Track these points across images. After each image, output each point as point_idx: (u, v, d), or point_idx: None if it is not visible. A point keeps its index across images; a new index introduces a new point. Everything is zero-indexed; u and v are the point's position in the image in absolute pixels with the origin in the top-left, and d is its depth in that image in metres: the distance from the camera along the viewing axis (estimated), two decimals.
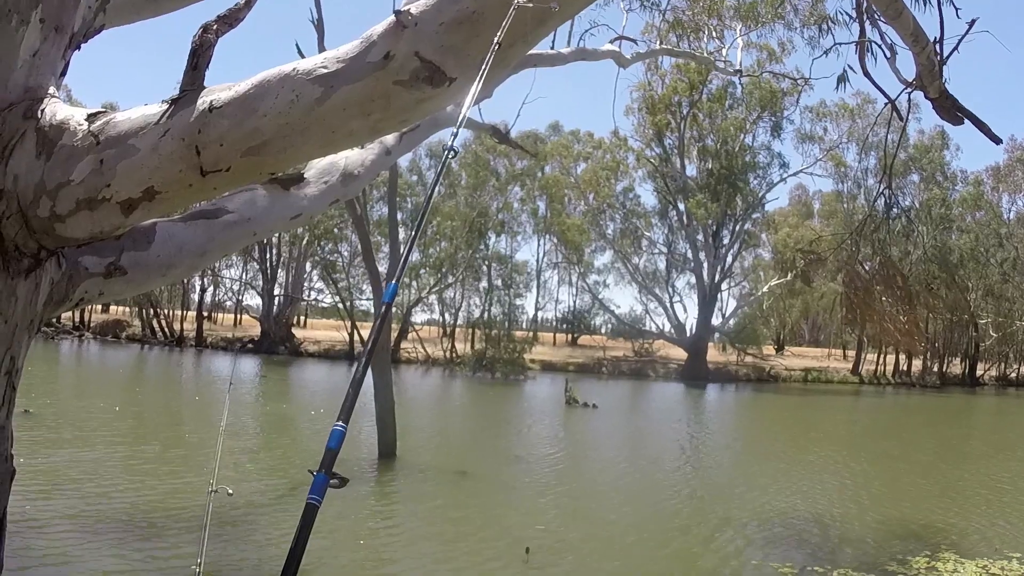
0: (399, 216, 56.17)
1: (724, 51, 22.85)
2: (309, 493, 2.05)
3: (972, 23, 8.18)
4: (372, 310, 21.70)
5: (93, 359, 48.64)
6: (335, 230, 61.76)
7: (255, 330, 65.47)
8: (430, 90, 2.75)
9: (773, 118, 64.43)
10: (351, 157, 5.52)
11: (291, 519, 12.81)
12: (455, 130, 2.57)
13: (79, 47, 3.94)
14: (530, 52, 9.98)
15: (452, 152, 2.59)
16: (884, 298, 15.01)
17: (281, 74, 2.88)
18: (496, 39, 2.53)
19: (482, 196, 64.92)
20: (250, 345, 61.96)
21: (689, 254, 68.27)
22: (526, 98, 28.28)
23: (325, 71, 2.79)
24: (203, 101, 3.00)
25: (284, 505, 13.82)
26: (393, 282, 2.20)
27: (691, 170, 67.70)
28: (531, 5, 2.56)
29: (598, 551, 12.45)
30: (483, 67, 2.54)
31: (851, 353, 76.46)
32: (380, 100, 2.75)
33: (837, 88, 10.88)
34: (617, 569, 11.47)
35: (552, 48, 11.68)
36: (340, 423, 2.17)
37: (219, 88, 3.04)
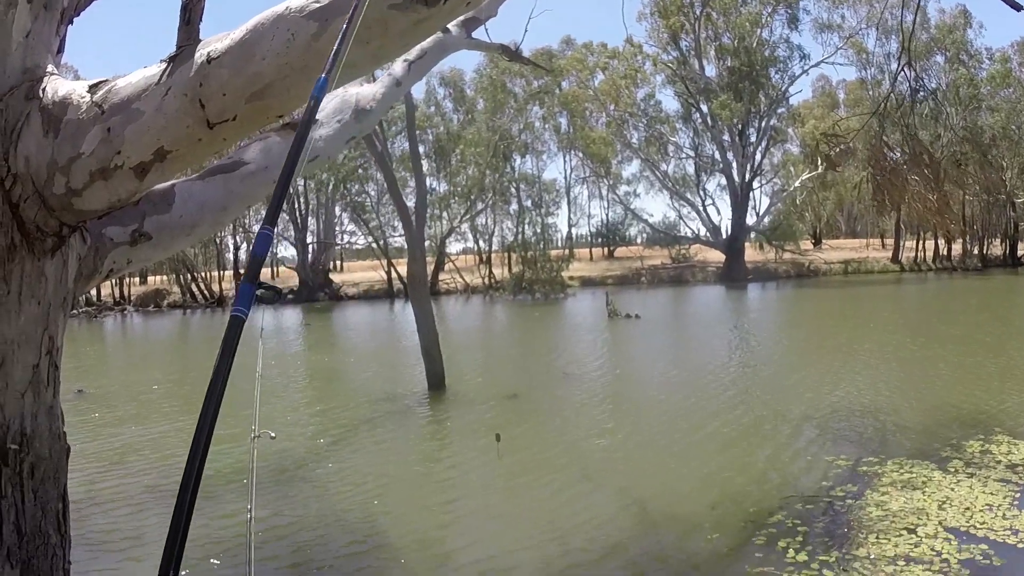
0: (421, 149, 56.03)
1: None
2: (234, 305, 1.94)
3: None
4: (405, 246, 21.71)
5: (138, 332, 49.18)
6: (359, 170, 61.68)
7: (293, 280, 65.81)
8: (425, 10, 2.68)
9: (789, 10, 63.34)
10: (362, 92, 5.47)
11: (335, 463, 13.01)
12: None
13: (71, 21, 3.90)
14: None
15: None
16: (913, 177, 14.73)
17: (275, 15, 2.83)
18: None
19: (502, 119, 64.46)
20: (290, 296, 62.35)
21: (717, 155, 67.74)
22: (532, 12, 27.93)
23: (317, 5, 2.73)
24: (200, 54, 2.96)
25: (331, 450, 14.01)
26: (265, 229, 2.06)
27: (710, 70, 66.92)
28: None
29: (656, 457, 12.53)
30: None
31: (889, 241, 75.78)
32: (377, 26, 2.69)
33: None
34: (675, 473, 11.55)
35: None
36: (266, 227, 2.06)
37: (215, 39, 3.00)
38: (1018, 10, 8.27)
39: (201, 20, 3.13)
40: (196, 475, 1.79)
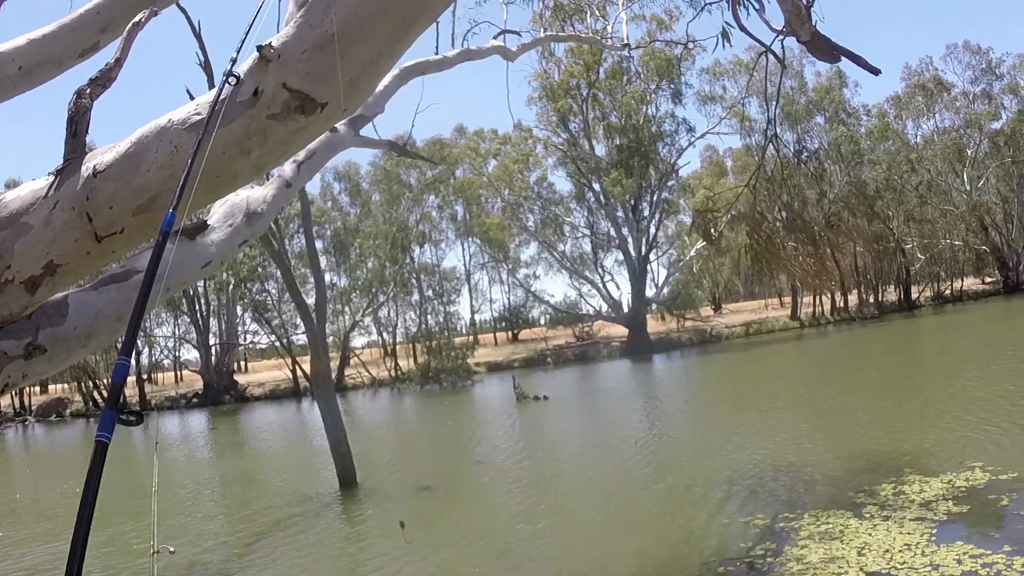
0: (319, 244, 55.79)
1: (610, 28, 23.03)
2: (98, 431, 2.06)
3: None
4: (308, 343, 21.54)
5: (41, 443, 47.59)
6: (259, 269, 61.08)
7: (198, 384, 64.43)
8: (304, 119, 2.77)
9: (672, 85, 65.02)
10: (252, 196, 5.50)
11: (243, 564, 12.73)
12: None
13: None
14: (414, 61, 9.98)
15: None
16: (789, 243, 15.26)
17: (158, 127, 2.88)
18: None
19: (399, 210, 64.76)
20: (195, 399, 61.01)
21: (612, 232, 68.70)
22: (418, 107, 28.21)
23: (199, 117, 2.80)
24: (87, 167, 2.99)
25: (245, 560, 13.70)
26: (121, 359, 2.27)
27: (600, 149, 68.16)
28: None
29: (572, 536, 12.53)
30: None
31: (787, 300, 77.49)
32: (257, 137, 2.76)
33: (718, 45, 11.03)
34: (596, 547, 11.56)
35: (437, 53, 11.71)
36: (123, 357, 2.20)
37: (101, 151, 3.04)
38: (876, 74, 8.75)
39: (88, 132, 3.17)
40: None
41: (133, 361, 66.35)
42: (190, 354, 71.39)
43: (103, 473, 1.99)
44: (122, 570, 12.50)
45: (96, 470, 1.97)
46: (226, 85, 2.74)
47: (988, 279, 77.28)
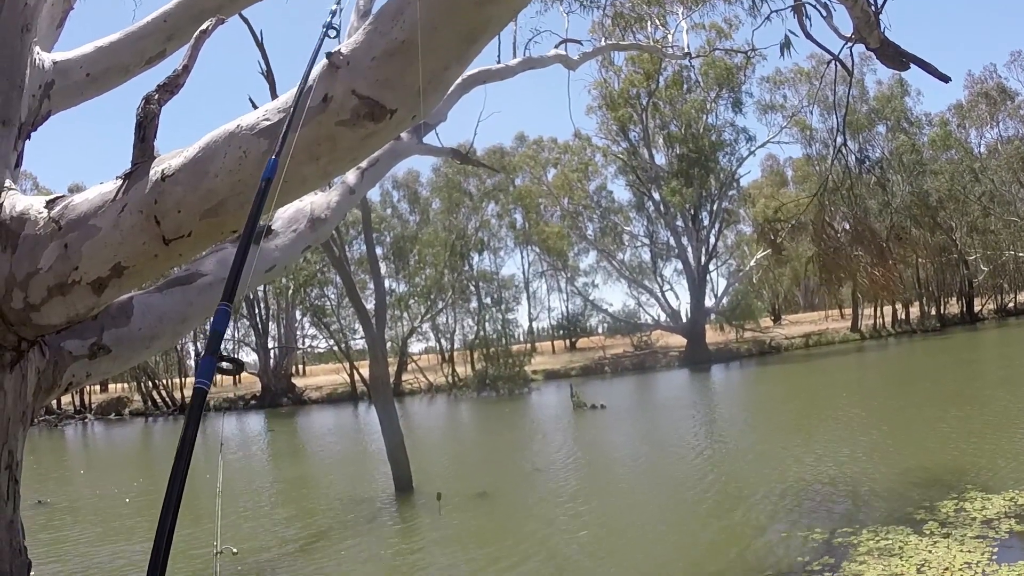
0: (378, 251, 56.18)
1: (671, 37, 22.97)
2: (196, 377, 2.02)
3: None
4: (367, 347, 21.69)
5: (100, 441, 48.43)
6: (318, 274, 61.63)
7: (256, 386, 65.13)
8: (372, 126, 2.76)
9: (732, 94, 64.57)
10: (316, 202, 5.54)
11: (298, 568, 12.81)
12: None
13: (29, 136, 3.96)
14: (476, 69, 10.02)
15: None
16: (858, 253, 15.06)
17: (226, 133, 2.90)
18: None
19: (458, 217, 65.03)
20: (253, 401, 61.68)
21: (672, 241, 68.35)
22: (480, 115, 28.31)
23: (268, 123, 2.81)
24: (155, 171, 3.02)
25: (301, 562, 13.78)
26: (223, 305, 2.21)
27: (660, 158, 67.91)
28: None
29: (632, 547, 12.45)
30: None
31: (848, 311, 76.49)
32: (326, 143, 2.77)
33: (781, 55, 10.90)
34: (654, 560, 11.47)
35: (499, 62, 11.73)
36: (224, 303, 2.13)
37: (169, 156, 3.06)
38: (946, 81, 8.60)
39: (156, 137, 3.20)
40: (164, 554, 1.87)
41: (192, 362, 67.71)
42: (249, 357, 72.34)
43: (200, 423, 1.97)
44: (182, 569, 12.63)
45: (194, 418, 1.94)
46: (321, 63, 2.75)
47: None
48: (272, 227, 5.00)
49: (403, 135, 6.91)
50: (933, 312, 70.81)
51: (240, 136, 2.84)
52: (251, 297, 62.53)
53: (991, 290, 72.80)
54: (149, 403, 63.95)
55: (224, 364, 2.14)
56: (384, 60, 2.70)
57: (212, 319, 2.14)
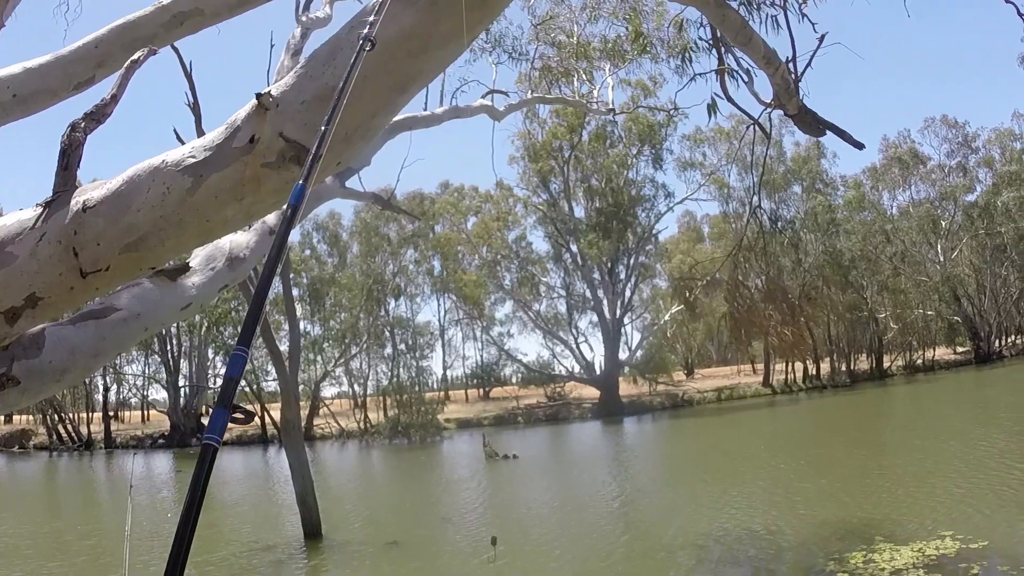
0: (295, 292, 55.65)
1: (596, 92, 23.34)
2: (207, 432, 1.87)
3: (822, 39, 8.60)
4: (278, 390, 21.37)
5: (2, 475, 46.86)
6: (232, 313, 60.73)
7: (164, 424, 63.73)
8: (298, 169, 2.77)
9: (653, 150, 65.58)
10: (236, 240, 5.51)
11: None
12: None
13: None
14: (403, 116, 10.09)
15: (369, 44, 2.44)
16: (770, 311, 15.44)
17: (151, 167, 2.89)
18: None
19: (376, 262, 64.82)
20: (161, 440, 60.29)
21: (588, 293, 68.85)
22: (404, 162, 28.29)
23: (193, 160, 2.81)
24: (76, 201, 2.99)
25: None
26: (239, 349, 2.00)
27: (579, 211, 68.57)
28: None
29: None
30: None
31: (760, 366, 77.66)
32: (251, 184, 2.77)
33: (710, 118, 11.15)
34: None
35: (425, 109, 11.82)
36: (241, 347, 1.95)
37: (91, 187, 3.04)
38: (860, 148, 8.90)
39: (79, 166, 3.17)
40: None
41: (100, 397, 66.06)
42: (158, 394, 70.81)
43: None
44: None
45: (202, 470, 1.80)
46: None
47: (960, 349, 78.10)
48: (190, 264, 4.96)
49: (326, 179, 6.93)
50: (843, 368, 72.26)
51: (164, 172, 2.84)
52: (163, 334, 61.40)
53: (900, 347, 74.64)
54: (54, 437, 62.16)
55: (238, 415, 2.01)
56: (313, 104, 2.72)
57: (228, 365, 2.00)
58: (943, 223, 74.47)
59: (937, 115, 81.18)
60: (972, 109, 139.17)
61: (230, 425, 1.99)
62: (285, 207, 2.14)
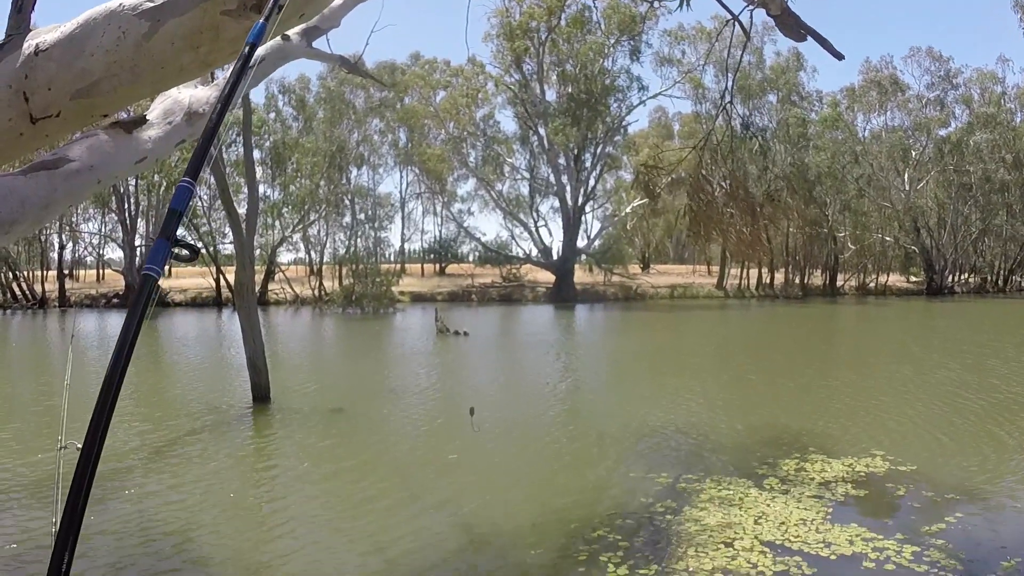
0: (256, 155, 54.94)
1: None
2: (147, 263, 1.84)
3: None
4: (235, 253, 21.20)
5: None
6: None
7: (119, 284, 63.30)
8: (257, 17, 2.67)
9: (632, 42, 64.93)
10: (195, 95, 5.35)
11: (152, 476, 12.64)
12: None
13: None
14: None
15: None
16: (729, 211, 15.42)
17: (107, 10, 2.76)
18: None
19: (340, 130, 63.99)
20: (115, 300, 59.94)
21: (552, 178, 68.89)
22: (374, 26, 27.61)
23: (151, 5, 2.69)
24: (29, 44, 2.87)
25: (149, 465, 13.59)
26: (184, 181, 1.94)
27: (551, 95, 68.06)
28: None
29: (480, 475, 12.62)
30: None
31: (716, 269, 78.51)
32: (208, 32, 2.66)
33: (680, 7, 10.95)
34: (500, 490, 11.65)
35: None
36: (187, 179, 1.90)
37: (45, 30, 2.91)
38: (840, 59, 8.80)
39: (33, 8, 3.04)
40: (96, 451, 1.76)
41: (55, 255, 65.33)
42: (115, 253, 70.18)
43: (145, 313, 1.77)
44: (24, 465, 12.36)
45: (140, 307, 1.78)
46: None
47: (913, 279, 79.43)
48: (147, 117, 4.82)
49: (292, 36, 6.72)
50: (797, 281, 73.40)
51: (121, 15, 2.71)
52: (120, 192, 60.57)
53: (855, 268, 75.80)
54: (8, 295, 61.51)
55: (181, 251, 1.92)
56: None
57: (173, 197, 1.93)
58: (913, 153, 75.09)
59: (923, 46, 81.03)
60: (958, 46, 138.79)
61: (185, 285, 1.94)
62: (244, 45, 2.04)
